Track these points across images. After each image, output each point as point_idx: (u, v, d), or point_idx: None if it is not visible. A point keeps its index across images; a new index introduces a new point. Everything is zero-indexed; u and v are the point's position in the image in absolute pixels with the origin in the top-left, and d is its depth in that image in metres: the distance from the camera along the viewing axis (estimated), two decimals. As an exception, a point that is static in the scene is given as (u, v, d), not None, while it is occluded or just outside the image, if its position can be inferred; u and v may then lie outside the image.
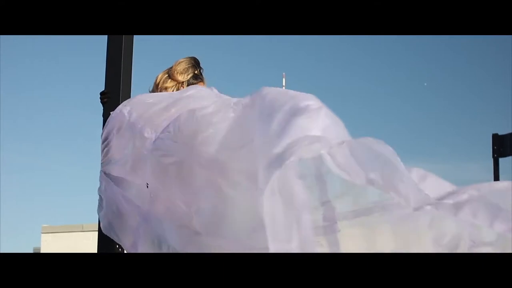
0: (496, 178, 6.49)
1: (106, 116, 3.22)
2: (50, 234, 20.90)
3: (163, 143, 2.67)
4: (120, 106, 3.05)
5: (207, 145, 2.46)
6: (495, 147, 6.65)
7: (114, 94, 3.32)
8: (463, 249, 2.24)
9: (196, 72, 3.46)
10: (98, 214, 3.09)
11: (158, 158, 2.68)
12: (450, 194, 2.19)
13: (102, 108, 3.35)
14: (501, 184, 2.28)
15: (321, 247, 2.36)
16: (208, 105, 2.61)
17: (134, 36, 3.39)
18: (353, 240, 2.46)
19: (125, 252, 3.13)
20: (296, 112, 2.17)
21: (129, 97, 3.33)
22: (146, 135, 2.80)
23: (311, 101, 2.22)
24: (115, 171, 2.99)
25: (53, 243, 20.21)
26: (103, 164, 3.05)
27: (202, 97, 2.88)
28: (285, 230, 2.00)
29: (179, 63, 3.46)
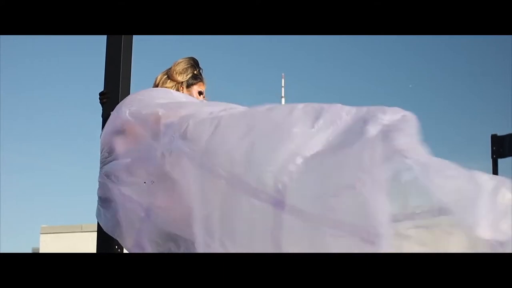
0: (495, 179, 6.47)
1: (105, 116, 3.22)
2: (49, 234, 20.90)
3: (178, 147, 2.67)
4: (121, 106, 3.05)
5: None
6: (494, 148, 6.64)
7: (113, 94, 3.32)
8: None
9: (195, 72, 3.46)
10: (97, 216, 3.09)
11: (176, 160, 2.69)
12: None
13: (102, 108, 3.35)
14: None
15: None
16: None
17: (134, 36, 3.38)
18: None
19: (125, 251, 3.14)
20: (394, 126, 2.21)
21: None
22: (155, 137, 2.81)
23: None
24: (115, 171, 2.99)
25: (52, 244, 20.20)
26: (103, 164, 3.04)
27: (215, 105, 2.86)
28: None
29: (178, 63, 3.46)
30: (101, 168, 3.04)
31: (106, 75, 3.39)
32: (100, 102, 3.36)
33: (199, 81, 3.47)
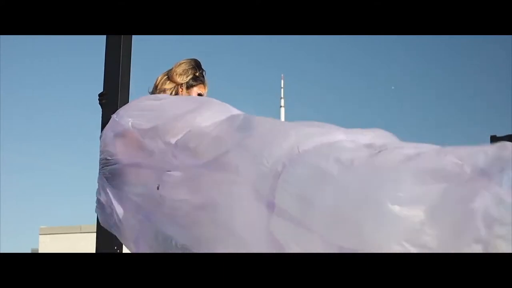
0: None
1: (104, 117, 3.21)
2: (48, 235, 20.89)
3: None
4: (123, 115, 3.05)
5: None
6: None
7: (112, 95, 3.31)
8: None
9: (196, 74, 3.44)
10: (96, 212, 3.10)
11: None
12: None
13: (101, 109, 3.35)
14: None
15: None
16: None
17: (133, 36, 3.38)
18: None
19: (124, 250, 3.14)
20: None
21: (127, 98, 3.32)
22: (165, 142, 2.83)
23: None
24: (116, 175, 3.00)
25: (51, 244, 20.19)
26: (103, 166, 3.05)
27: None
28: None
29: (179, 64, 3.44)
30: (101, 169, 3.05)
31: (105, 75, 3.39)
32: (100, 103, 3.36)
33: (200, 83, 3.44)
